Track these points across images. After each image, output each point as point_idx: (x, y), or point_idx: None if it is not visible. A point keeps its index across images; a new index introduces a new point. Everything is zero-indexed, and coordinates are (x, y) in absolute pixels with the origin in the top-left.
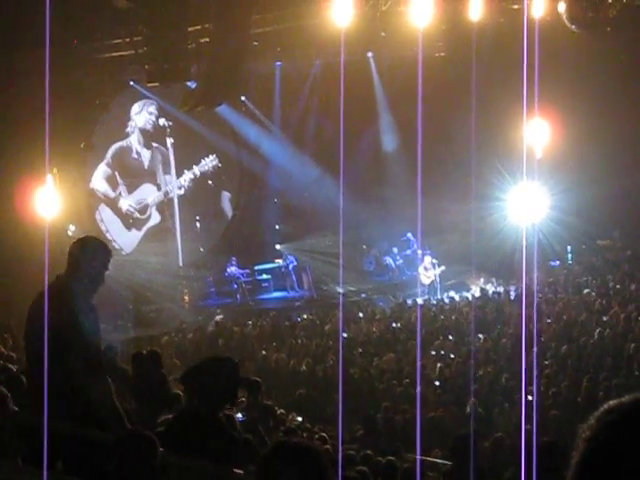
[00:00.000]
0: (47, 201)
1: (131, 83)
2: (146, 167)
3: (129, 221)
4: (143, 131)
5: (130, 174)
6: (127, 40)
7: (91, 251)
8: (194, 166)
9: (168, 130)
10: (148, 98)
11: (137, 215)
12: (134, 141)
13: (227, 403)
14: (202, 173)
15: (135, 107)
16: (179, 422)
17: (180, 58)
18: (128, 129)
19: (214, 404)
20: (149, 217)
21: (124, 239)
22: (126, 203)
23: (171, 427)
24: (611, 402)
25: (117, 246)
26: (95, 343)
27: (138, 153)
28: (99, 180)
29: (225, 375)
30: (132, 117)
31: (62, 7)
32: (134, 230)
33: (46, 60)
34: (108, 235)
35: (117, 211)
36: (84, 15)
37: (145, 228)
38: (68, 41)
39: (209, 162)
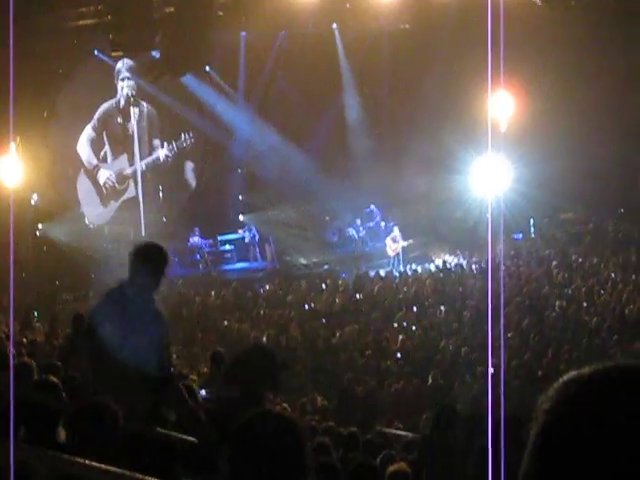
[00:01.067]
0: (10, 170)
1: (95, 52)
2: (130, 133)
3: (105, 194)
4: (127, 96)
5: (114, 140)
6: (91, 9)
7: (145, 258)
8: (173, 142)
9: (133, 99)
10: (112, 67)
11: (116, 186)
12: (120, 106)
13: (268, 391)
14: (178, 149)
15: (117, 70)
16: (221, 412)
17: (144, 27)
18: (118, 94)
19: (257, 393)
20: (126, 188)
21: (97, 212)
22: (105, 175)
23: (214, 419)
24: (571, 373)
25: (87, 220)
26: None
27: (123, 118)
28: (83, 144)
29: (265, 365)
30: (117, 82)
31: None
32: (111, 202)
33: (10, 29)
34: (82, 209)
35: (95, 183)
36: None
37: (121, 200)
38: (32, 10)
39: (187, 139)
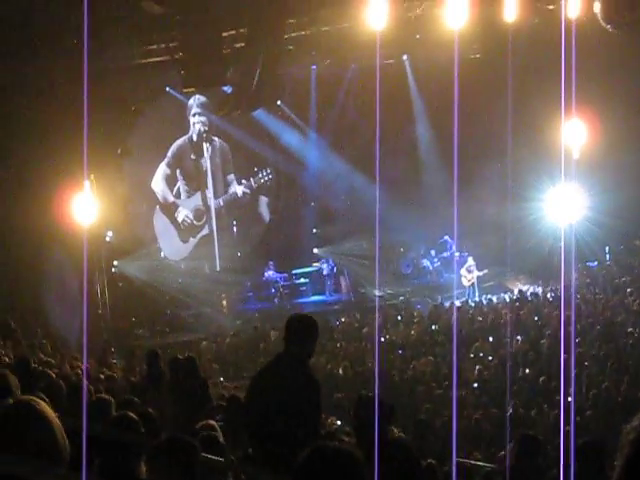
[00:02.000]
0: (85, 207)
1: (167, 89)
2: (204, 169)
3: (183, 229)
4: (199, 132)
5: (188, 176)
6: (162, 46)
7: (297, 329)
8: (251, 178)
9: (205, 135)
10: (184, 104)
11: (194, 223)
12: (192, 142)
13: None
14: (258, 186)
15: (190, 105)
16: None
17: (215, 63)
18: (190, 130)
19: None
20: (204, 225)
21: (175, 248)
22: (183, 212)
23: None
24: None
25: (163, 255)
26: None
27: (196, 154)
28: (158, 181)
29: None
30: (189, 117)
31: (96, 14)
32: (189, 238)
33: (84, 68)
34: (158, 243)
35: (172, 219)
36: (119, 22)
37: (199, 236)
38: (104, 48)
39: (265, 175)
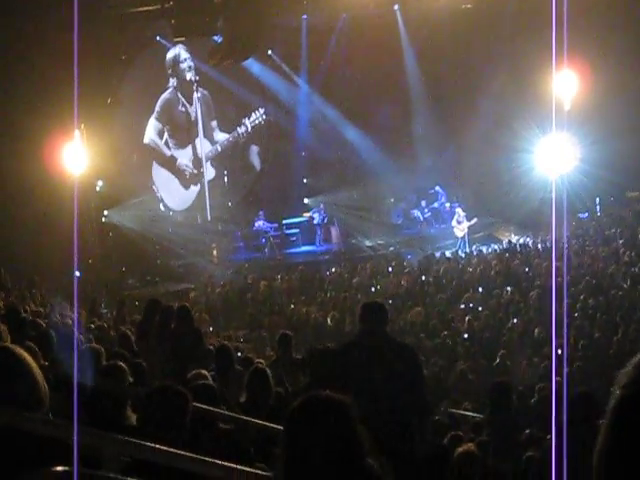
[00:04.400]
0: (75, 156)
1: (157, 38)
2: (193, 119)
3: (186, 178)
4: (184, 81)
5: (179, 127)
6: None
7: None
8: (245, 119)
9: (196, 84)
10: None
11: (194, 171)
12: (178, 92)
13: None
14: (253, 127)
15: (170, 58)
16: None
17: (206, 12)
18: (170, 82)
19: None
20: (204, 172)
21: (178, 197)
22: (183, 162)
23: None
24: None
25: (167, 205)
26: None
27: (184, 104)
28: (152, 135)
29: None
30: (169, 68)
31: None
32: (191, 186)
33: (75, 16)
34: (158, 195)
35: (174, 169)
36: None
37: (203, 182)
38: None
39: (259, 116)
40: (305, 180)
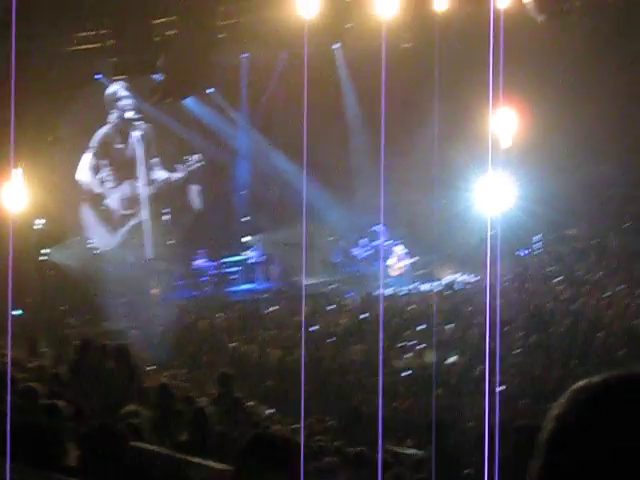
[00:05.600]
0: (13, 195)
1: (98, 76)
2: (129, 157)
3: (113, 220)
4: (122, 118)
5: (114, 165)
6: (93, 33)
7: None
8: (181, 165)
9: (136, 122)
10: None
11: (122, 212)
12: (116, 128)
13: None
14: (189, 172)
15: (109, 94)
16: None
17: (146, 51)
18: (109, 118)
19: None
20: (134, 213)
21: (104, 238)
22: (113, 200)
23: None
24: (580, 382)
25: (93, 246)
26: None
27: (122, 142)
28: (84, 172)
29: None
30: (108, 104)
31: (25, 0)
32: (118, 227)
33: (12, 54)
34: (88, 235)
35: (100, 210)
36: (49, 8)
37: (130, 224)
38: (33, 36)
39: (195, 162)
40: (245, 219)
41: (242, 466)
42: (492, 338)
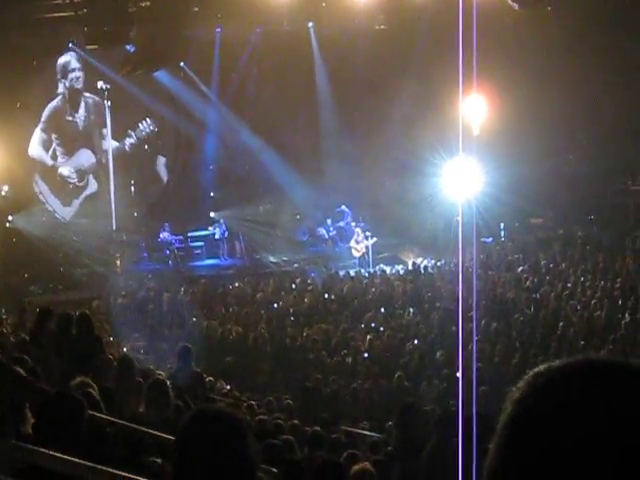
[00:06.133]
0: None
1: (70, 45)
2: (81, 128)
3: (66, 191)
4: (73, 90)
5: (66, 137)
6: (67, 1)
7: None
8: (131, 132)
9: (106, 93)
10: (86, 60)
11: (76, 183)
12: (66, 101)
13: None
14: (138, 138)
15: (60, 65)
16: None
17: (120, 21)
18: (59, 89)
19: None
20: (87, 185)
21: (60, 209)
22: (65, 170)
23: None
24: (541, 366)
25: (58, 216)
26: None
27: (72, 114)
28: (35, 146)
29: None
30: (59, 74)
31: None
32: (73, 200)
33: None
34: (48, 206)
35: (54, 183)
36: None
37: (82, 196)
38: (6, 1)
39: (146, 127)
40: (212, 194)
41: (182, 440)
42: (455, 324)
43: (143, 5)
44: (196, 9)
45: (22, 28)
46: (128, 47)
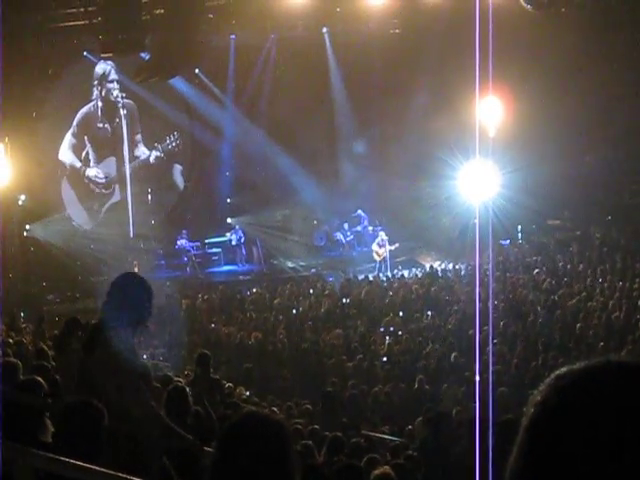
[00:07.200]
0: None
1: (85, 53)
2: (110, 136)
3: (92, 199)
4: (108, 99)
5: (97, 144)
6: (81, 10)
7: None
8: (158, 144)
9: (121, 102)
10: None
11: (102, 190)
12: (99, 108)
13: None
14: (164, 152)
15: (98, 72)
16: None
17: (134, 29)
18: (93, 95)
19: None
20: (112, 193)
21: (82, 216)
22: (92, 171)
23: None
24: (562, 369)
25: (76, 224)
26: None
27: (103, 121)
28: (65, 151)
29: None
30: (96, 81)
31: None
32: (96, 207)
33: None
34: (69, 213)
35: (81, 188)
36: None
37: (107, 205)
38: (21, 10)
39: (172, 141)
40: (229, 200)
41: (229, 443)
42: (473, 327)
43: (157, 13)
44: (210, 16)
45: (37, 37)
46: (143, 55)
